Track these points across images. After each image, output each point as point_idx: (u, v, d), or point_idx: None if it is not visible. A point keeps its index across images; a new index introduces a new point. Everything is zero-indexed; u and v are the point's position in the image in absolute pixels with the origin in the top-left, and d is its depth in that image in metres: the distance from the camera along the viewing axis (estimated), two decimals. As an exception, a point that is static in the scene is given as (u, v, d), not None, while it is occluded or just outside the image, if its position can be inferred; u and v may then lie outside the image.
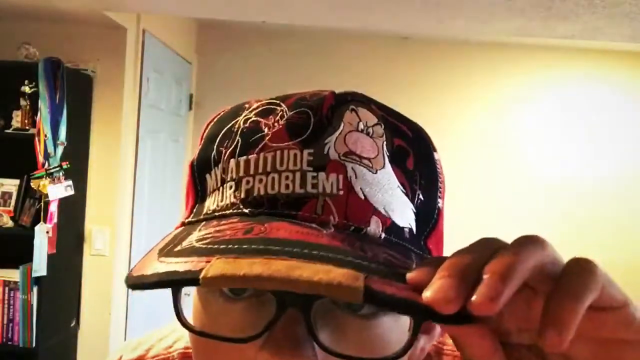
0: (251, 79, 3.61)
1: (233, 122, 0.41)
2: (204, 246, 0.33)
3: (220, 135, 0.41)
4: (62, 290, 2.54)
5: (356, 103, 0.40)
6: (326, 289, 0.29)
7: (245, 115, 0.41)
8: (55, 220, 2.31)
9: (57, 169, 2.28)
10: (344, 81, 3.58)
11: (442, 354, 0.49)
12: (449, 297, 0.27)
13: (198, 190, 0.41)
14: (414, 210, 0.40)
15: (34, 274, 2.27)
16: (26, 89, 2.39)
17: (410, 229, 0.39)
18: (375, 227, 0.37)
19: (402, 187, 0.39)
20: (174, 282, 0.32)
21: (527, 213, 3.64)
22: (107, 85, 2.61)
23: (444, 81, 3.67)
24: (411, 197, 0.40)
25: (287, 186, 0.37)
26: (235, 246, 0.32)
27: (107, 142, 2.63)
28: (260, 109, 0.40)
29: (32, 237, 2.24)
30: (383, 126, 0.40)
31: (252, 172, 0.38)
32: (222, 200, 0.38)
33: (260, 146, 0.38)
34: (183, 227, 0.39)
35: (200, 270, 0.30)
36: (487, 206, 3.65)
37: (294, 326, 0.33)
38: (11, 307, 2.33)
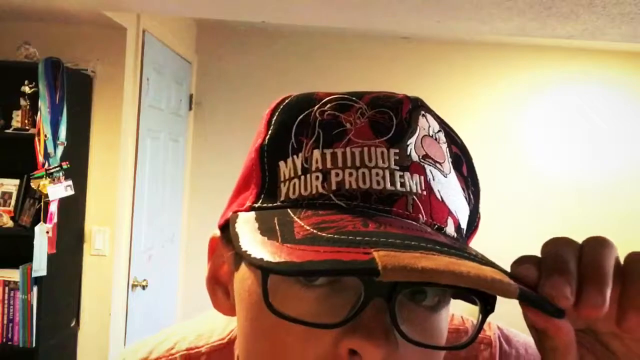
0: (251, 79, 3.62)
1: (306, 112, 0.41)
2: (338, 237, 0.33)
3: (296, 124, 0.41)
4: (62, 290, 2.54)
5: (425, 109, 0.42)
6: (490, 285, 0.31)
7: (319, 108, 0.41)
8: (55, 220, 2.31)
9: (57, 169, 2.28)
10: (344, 81, 3.58)
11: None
12: (566, 294, 0.31)
13: (266, 176, 0.41)
14: (468, 214, 0.43)
15: (34, 274, 2.27)
16: (26, 89, 2.39)
17: (464, 230, 0.42)
18: (450, 227, 0.39)
19: (462, 192, 0.43)
20: (345, 272, 0.32)
21: (526, 212, 3.64)
22: (107, 85, 2.61)
23: (444, 81, 3.67)
24: (467, 201, 0.43)
25: (378, 182, 0.38)
26: (374, 239, 0.33)
27: (107, 142, 2.63)
28: (335, 103, 0.41)
29: (32, 237, 2.24)
30: (443, 133, 0.43)
31: (340, 165, 0.38)
32: (306, 190, 0.39)
33: (345, 140, 0.39)
34: (265, 211, 0.39)
35: (369, 261, 0.30)
36: (487, 206, 3.64)
37: (382, 315, 0.34)
38: (11, 307, 2.33)
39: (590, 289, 0.31)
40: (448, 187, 0.40)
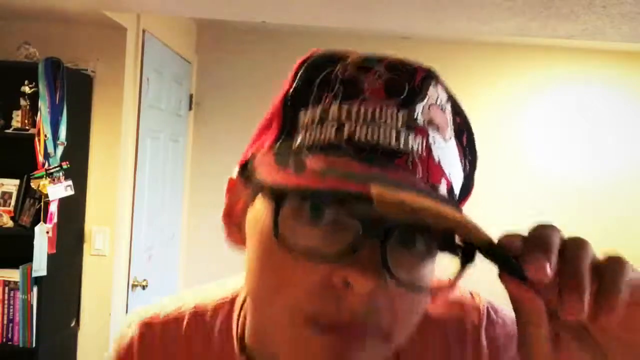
0: (251, 79, 3.61)
1: (330, 69, 0.45)
2: (343, 174, 0.39)
3: (319, 79, 0.45)
4: (62, 290, 2.54)
5: (437, 79, 0.47)
6: (469, 229, 0.36)
7: (342, 66, 0.45)
8: (55, 220, 2.31)
9: (57, 169, 2.28)
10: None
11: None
12: (546, 271, 0.34)
13: (287, 122, 0.45)
14: (463, 180, 0.48)
15: (34, 274, 2.27)
16: (26, 89, 2.39)
17: (456, 194, 0.46)
18: (443, 187, 0.44)
19: (459, 159, 0.47)
20: (345, 197, 0.38)
21: (526, 212, 3.64)
22: (107, 85, 2.61)
23: (444, 81, 3.66)
24: (463, 168, 0.48)
25: (384, 138, 0.42)
26: (374, 178, 0.38)
27: (107, 142, 2.63)
28: (358, 63, 0.45)
29: (32, 237, 2.24)
30: (450, 104, 0.47)
31: (353, 118, 0.42)
32: (321, 137, 0.43)
33: (360, 98, 0.43)
34: (279, 152, 0.44)
35: (366, 193, 0.35)
36: (487, 205, 3.65)
37: (375, 254, 0.38)
38: (11, 307, 2.33)
39: (570, 297, 0.34)
40: (446, 152, 0.45)
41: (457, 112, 0.48)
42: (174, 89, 3.32)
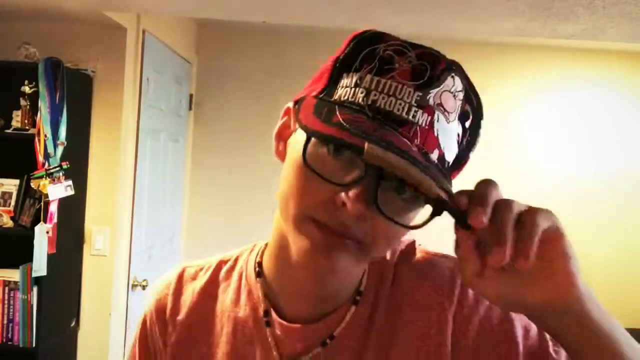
0: (251, 79, 3.61)
1: (374, 47, 0.58)
2: (354, 129, 0.52)
3: (364, 52, 0.58)
4: (62, 290, 2.54)
5: (455, 72, 0.59)
6: (423, 188, 0.49)
7: (385, 46, 0.58)
8: (55, 220, 2.31)
9: (57, 169, 2.28)
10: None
11: (414, 250, 0.71)
12: (482, 220, 0.47)
13: (332, 80, 0.60)
14: (457, 154, 0.60)
15: (34, 274, 2.27)
16: (26, 89, 2.39)
17: (449, 163, 0.59)
18: (435, 155, 0.57)
19: (457, 137, 0.60)
20: (345, 146, 0.52)
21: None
22: (107, 85, 2.61)
23: (444, 81, 3.67)
24: (459, 145, 0.60)
25: (398, 109, 0.55)
26: (374, 138, 0.51)
27: (107, 142, 2.63)
28: (396, 47, 0.58)
29: (32, 237, 2.24)
30: (463, 94, 0.59)
31: (380, 89, 0.56)
32: (352, 97, 0.57)
33: (390, 75, 0.56)
34: (322, 101, 0.59)
35: (362, 147, 0.49)
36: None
37: (371, 190, 0.52)
38: (11, 307, 2.33)
39: (495, 250, 0.47)
40: (446, 131, 0.57)
41: (469, 100, 0.60)
42: (174, 89, 3.32)
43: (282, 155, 0.64)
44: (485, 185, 0.49)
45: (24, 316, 2.31)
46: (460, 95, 0.59)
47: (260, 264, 0.72)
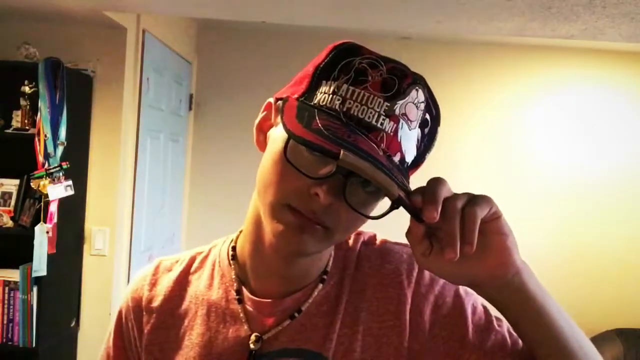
0: (251, 79, 3.61)
1: (351, 59, 0.66)
2: (331, 136, 0.59)
3: (342, 64, 0.65)
4: (62, 290, 2.54)
5: (419, 85, 0.66)
6: (385, 189, 0.58)
7: (360, 59, 0.65)
8: (55, 220, 2.31)
9: (57, 169, 2.28)
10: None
11: (361, 235, 0.79)
12: (433, 216, 0.57)
13: (313, 85, 0.67)
14: (415, 156, 0.68)
15: (34, 274, 2.27)
16: (26, 89, 2.39)
17: (408, 163, 0.68)
18: (397, 157, 0.65)
19: (417, 142, 0.68)
20: (323, 152, 0.58)
21: (525, 211, 3.64)
22: (107, 85, 2.61)
23: (444, 81, 3.66)
24: (417, 148, 0.68)
25: (369, 117, 0.63)
26: (348, 145, 0.58)
27: (107, 142, 2.63)
28: (370, 61, 0.65)
29: (32, 237, 2.24)
30: (425, 105, 0.67)
31: (354, 98, 0.63)
32: (330, 104, 0.64)
33: (363, 86, 0.64)
34: (303, 104, 0.66)
35: (338, 153, 0.57)
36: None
37: (340, 184, 0.61)
38: (11, 307, 2.33)
39: (448, 249, 0.57)
40: (407, 136, 0.66)
41: (429, 110, 0.68)
42: (174, 89, 3.32)
43: (262, 145, 0.72)
44: (436, 183, 0.58)
45: (24, 316, 2.31)
46: (422, 106, 0.67)
47: (234, 249, 0.78)
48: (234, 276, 0.76)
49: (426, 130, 0.69)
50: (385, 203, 0.63)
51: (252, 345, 0.72)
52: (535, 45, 3.57)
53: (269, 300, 0.73)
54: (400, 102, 0.64)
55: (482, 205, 0.58)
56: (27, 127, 2.40)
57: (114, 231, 2.65)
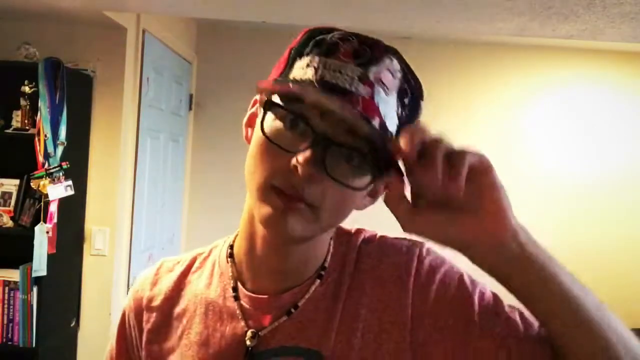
0: (251, 79, 3.59)
1: (323, 36, 0.67)
2: (302, 85, 0.63)
3: (315, 40, 0.67)
4: (62, 290, 2.54)
5: (394, 55, 0.67)
6: (355, 126, 0.60)
7: (332, 35, 0.67)
8: (55, 220, 2.31)
9: (57, 169, 2.28)
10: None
11: (361, 233, 0.78)
12: (405, 148, 0.54)
13: (288, 65, 0.68)
14: (397, 125, 0.66)
15: (34, 274, 2.27)
16: (26, 89, 2.39)
17: (392, 133, 0.66)
18: (376, 122, 0.63)
19: (397, 110, 0.67)
20: (285, 94, 0.63)
21: (526, 211, 3.63)
22: (107, 85, 2.61)
23: (444, 81, 3.67)
24: (399, 118, 0.67)
25: (342, 82, 0.63)
26: (324, 96, 0.61)
27: (107, 142, 2.63)
28: (341, 35, 0.66)
29: (32, 237, 2.24)
30: (401, 74, 0.67)
31: (327, 67, 0.64)
32: (304, 76, 0.65)
33: (335, 56, 0.64)
34: (279, 80, 0.68)
35: (302, 93, 0.61)
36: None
37: (319, 156, 0.61)
38: (11, 307, 2.33)
39: (429, 171, 0.54)
40: (385, 102, 0.65)
41: (407, 80, 0.68)
42: (174, 89, 3.32)
43: (248, 138, 0.73)
44: (418, 126, 0.57)
45: (24, 316, 2.31)
46: (399, 75, 0.67)
47: (231, 247, 0.79)
48: (230, 273, 0.77)
49: (406, 100, 0.67)
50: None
51: (248, 342, 0.71)
52: (535, 45, 3.56)
53: (265, 296, 0.73)
54: (374, 68, 0.64)
55: (472, 152, 0.55)
56: (27, 127, 2.40)
57: (114, 231, 2.65)
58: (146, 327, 0.79)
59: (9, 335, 2.33)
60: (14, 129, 2.42)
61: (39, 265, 2.26)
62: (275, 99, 0.65)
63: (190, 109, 3.63)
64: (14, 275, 2.32)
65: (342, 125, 0.61)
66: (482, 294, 0.69)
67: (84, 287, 2.66)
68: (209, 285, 0.78)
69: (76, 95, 2.44)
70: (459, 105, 3.64)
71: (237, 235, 0.79)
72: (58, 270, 2.40)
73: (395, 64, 0.67)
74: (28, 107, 2.41)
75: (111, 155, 2.63)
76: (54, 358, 2.50)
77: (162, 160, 3.17)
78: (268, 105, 0.65)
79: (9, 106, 2.44)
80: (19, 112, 2.43)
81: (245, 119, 0.75)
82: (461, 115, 3.65)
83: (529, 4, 1.94)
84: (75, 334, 2.66)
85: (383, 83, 0.64)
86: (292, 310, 0.71)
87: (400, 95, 0.67)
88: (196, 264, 0.82)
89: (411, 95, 0.68)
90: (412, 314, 0.69)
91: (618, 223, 3.69)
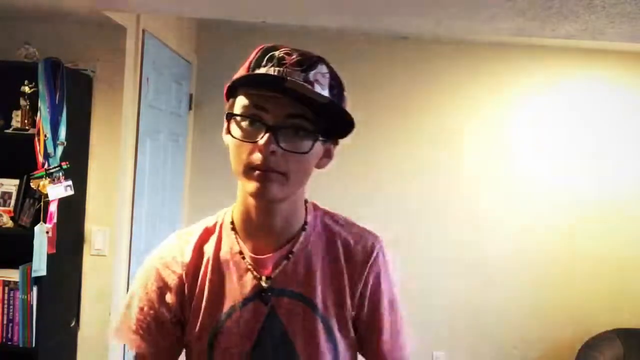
0: (251, 79, 3.61)
1: (272, 52, 0.94)
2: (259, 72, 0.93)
3: (267, 56, 0.94)
4: (62, 290, 2.54)
5: (323, 63, 0.95)
6: (302, 90, 0.88)
7: (279, 51, 0.94)
8: (55, 220, 2.31)
9: (57, 169, 2.28)
10: (344, 80, 3.57)
11: (329, 214, 1.08)
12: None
13: (249, 71, 0.95)
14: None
15: (34, 274, 2.27)
16: (26, 89, 2.39)
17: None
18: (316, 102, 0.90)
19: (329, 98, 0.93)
20: (266, 78, 0.91)
21: (526, 211, 3.64)
22: (107, 85, 2.61)
23: (443, 81, 3.67)
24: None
25: (291, 83, 0.88)
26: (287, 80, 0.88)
27: (107, 142, 2.63)
28: (286, 51, 0.94)
29: (32, 237, 2.24)
30: (329, 76, 0.95)
31: (278, 74, 0.90)
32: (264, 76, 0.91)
33: (284, 65, 0.92)
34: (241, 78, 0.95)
35: (254, 75, 0.94)
36: (487, 205, 3.65)
37: (273, 138, 0.88)
38: (11, 307, 2.33)
39: None
40: (321, 92, 0.91)
41: (333, 79, 0.95)
42: (174, 89, 3.32)
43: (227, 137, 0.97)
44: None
45: (23, 316, 2.31)
46: (327, 76, 0.94)
47: (232, 222, 1.03)
48: (235, 240, 1.01)
49: (334, 91, 0.95)
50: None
51: (264, 284, 0.98)
52: (535, 45, 3.57)
53: (264, 256, 0.99)
54: (312, 72, 0.91)
55: None
56: (27, 127, 2.40)
57: (114, 231, 2.65)
58: (181, 280, 1.01)
59: (9, 335, 2.33)
60: (14, 129, 2.42)
61: (39, 265, 2.25)
62: (237, 109, 0.93)
63: (190, 109, 3.63)
64: (13, 275, 2.32)
65: (283, 112, 0.88)
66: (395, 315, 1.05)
67: (84, 287, 2.66)
68: (218, 247, 1.03)
69: (76, 95, 2.44)
70: (458, 105, 3.64)
71: (233, 211, 1.04)
72: (58, 271, 2.40)
73: (324, 68, 0.94)
74: (28, 107, 2.41)
75: (111, 155, 2.63)
76: (54, 358, 2.49)
77: (162, 160, 3.17)
78: (229, 116, 0.93)
79: (8, 106, 2.44)
80: (19, 112, 2.43)
81: (223, 132, 0.97)
82: (461, 115, 3.65)
83: (529, 4, 1.94)
84: (75, 334, 2.66)
85: (319, 81, 0.92)
86: (290, 255, 0.99)
87: (330, 88, 0.94)
88: (208, 236, 1.05)
89: (337, 88, 0.96)
90: (355, 287, 1.01)
91: (618, 223, 3.69)
